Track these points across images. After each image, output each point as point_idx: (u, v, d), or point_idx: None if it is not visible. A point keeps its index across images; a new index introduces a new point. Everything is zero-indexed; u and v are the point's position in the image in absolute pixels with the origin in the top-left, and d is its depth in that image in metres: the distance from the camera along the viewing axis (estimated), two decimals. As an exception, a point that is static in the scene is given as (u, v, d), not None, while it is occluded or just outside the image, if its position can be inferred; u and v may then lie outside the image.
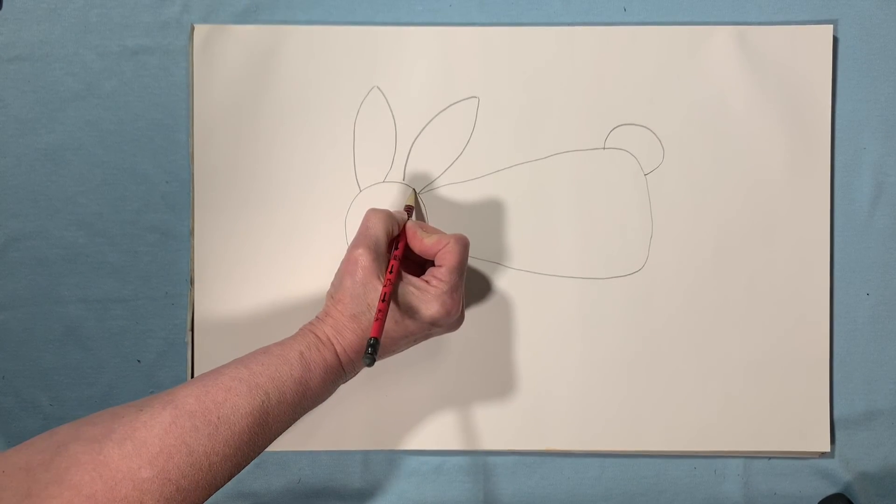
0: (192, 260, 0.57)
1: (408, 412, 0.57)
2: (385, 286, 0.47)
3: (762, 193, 0.57)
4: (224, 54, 0.57)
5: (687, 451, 0.58)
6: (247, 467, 0.58)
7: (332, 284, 0.50)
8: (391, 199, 0.57)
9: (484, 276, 0.57)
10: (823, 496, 0.58)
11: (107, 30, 0.58)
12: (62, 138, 0.58)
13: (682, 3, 0.58)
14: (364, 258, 0.48)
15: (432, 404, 0.57)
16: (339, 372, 0.48)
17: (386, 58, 0.57)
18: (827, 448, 0.58)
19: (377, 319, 0.45)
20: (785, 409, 0.57)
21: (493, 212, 0.57)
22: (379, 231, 0.49)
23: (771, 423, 0.57)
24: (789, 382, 0.57)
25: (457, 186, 0.57)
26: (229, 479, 0.44)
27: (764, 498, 0.58)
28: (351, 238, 0.57)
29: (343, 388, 0.57)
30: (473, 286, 0.57)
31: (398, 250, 0.50)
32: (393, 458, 0.58)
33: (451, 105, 0.57)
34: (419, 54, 0.57)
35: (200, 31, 0.57)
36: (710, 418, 0.57)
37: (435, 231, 0.51)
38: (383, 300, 0.47)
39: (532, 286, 0.57)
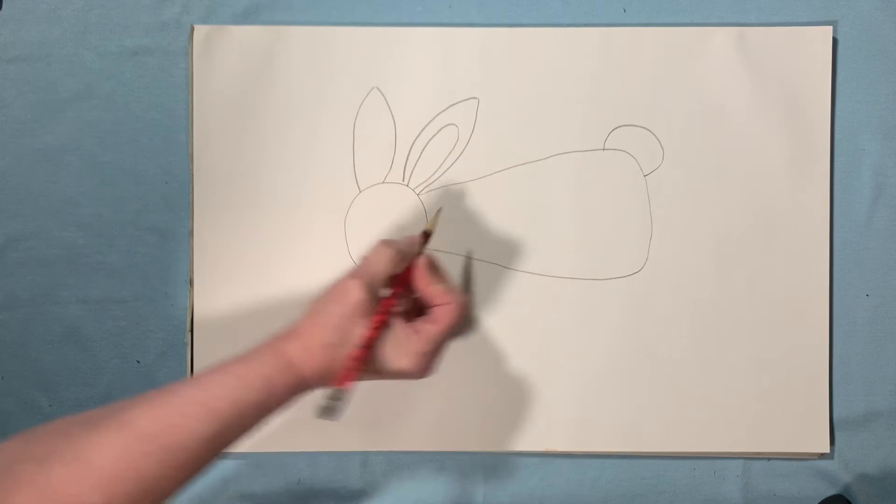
0: (191, 260, 0.57)
1: (408, 412, 0.57)
2: (370, 331, 0.45)
3: (762, 194, 0.57)
4: (224, 55, 0.57)
5: (686, 451, 0.58)
6: (247, 468, 0.58)
7: (314, 304, 0.47)
8: (391, 200, 0.57)
9: (484, 277, 0.57)
10: (823, 497, 0.58)
11: (106, 30, 0.58)
12: (62, 139, 0.58)
13: (682, 4, 0.58)
14: (356, 292, 0.45)
15: (432, 404, 0.57)
16: (301, 391, 0.46)
17: (386, 58, 0.57)
18: (826, 449, 0.58)
19: (350, 367, 0.43)
20: (784, 410, 0.57)
21: (492, 213, 0.57)
22: (381, 269, 0.47)
23: (770, 424, 0.57)
24: (789, 383, 0.57)
25: (456, 187, 0.57)
26: (175, 495, 0.43)
27: (763, 499, 0.58)
28: (351, 239, 0.57)
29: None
30: (473, 287, 0.57)
31: (394, 297, 0.47)
32: (393, 459, 0.58)
33: (450, 106, 0.57)
34: (419, 55, 0.57)
35: (200, 31, 0.57)
36: (710, 419, 0.57)
37: (443, 279, 0.49)
38: (364, 346, 0.44)
39: (532, 287, 0.57)
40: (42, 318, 0.58)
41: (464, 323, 0.51)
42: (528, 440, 0.57)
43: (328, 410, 0.41)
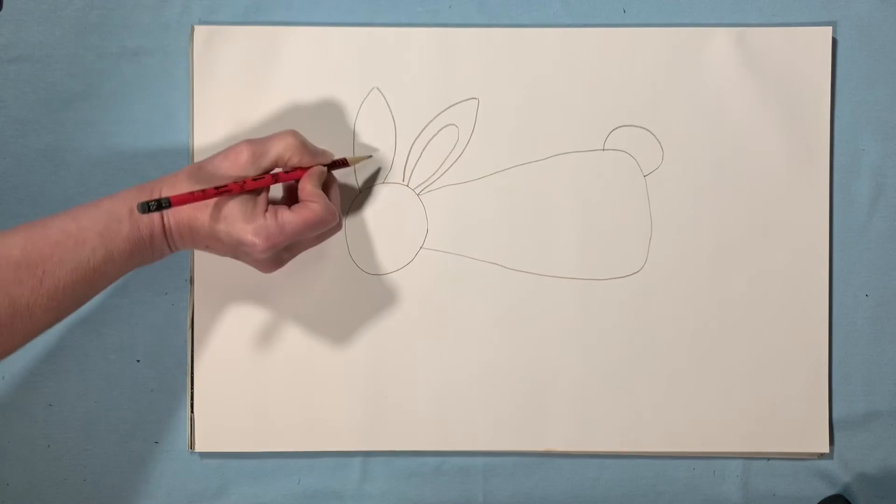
0: (191, 260, 0.57)
1: (408, 412, 0.57)
2: (236, 183, 0.47)
3: (761, 195, 0.57)
4: (224, 55, 0.57)
5: (686, 451, 0.58)
6: (247, 468, 0.58)
7: (204, 159, 0.50)
8: (391, 200, 0.57)
9: (484, 277, 0.57)
10: (822, 497, 0.58)
11: (107, 31, 0.58)
12: (62, 139, 0.58)
13: (682, 5, 0.58)
14: (244, 154, 0.48)
15: (432, 404, 0.57)
16: (163, 236, 0.48)
17: (386, 59, 0.57)
18: (826, 449, 0.58)
19: (192, 193, 0.46)
20: (784, 410, 0.57)
21: (492, 213, 0.57)
22: (276, 149, 0.49)
23: (770, 424, 0.57)
24: (788, 383, 0.57)
25: (456, 187, 0.57)
26: (49, 328, 0.46)
27: (763, 499, 0.59)
28: (351, 239, 0.57)
29: (343, 389, 0.57)
30: (473, 287, 0.57)
31: (276, 175, 0.49)
32: (393, 459, 0.58)
33: (450, 106, 0.57)
34: (419, 55, 0.57)
35: (200, 31, 0.57)
36: (710, 419, 0.57)
37: (323, 195, 0.50)
38: (220, 189, 0.46)
39: (531, 287, 0.57)
40: (42, 318, 0.58)
41: (321, 235, 0.53)
42: (528, 440, 0.57)
43: (145, 206, 0.44)
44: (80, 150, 0.58)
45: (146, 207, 0.44)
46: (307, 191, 0.50)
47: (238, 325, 0.57)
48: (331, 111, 0.57)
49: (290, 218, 0.48)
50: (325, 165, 0.52)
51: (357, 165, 0.57)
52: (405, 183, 0.57)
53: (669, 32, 0.58)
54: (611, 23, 0.58)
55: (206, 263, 0.57)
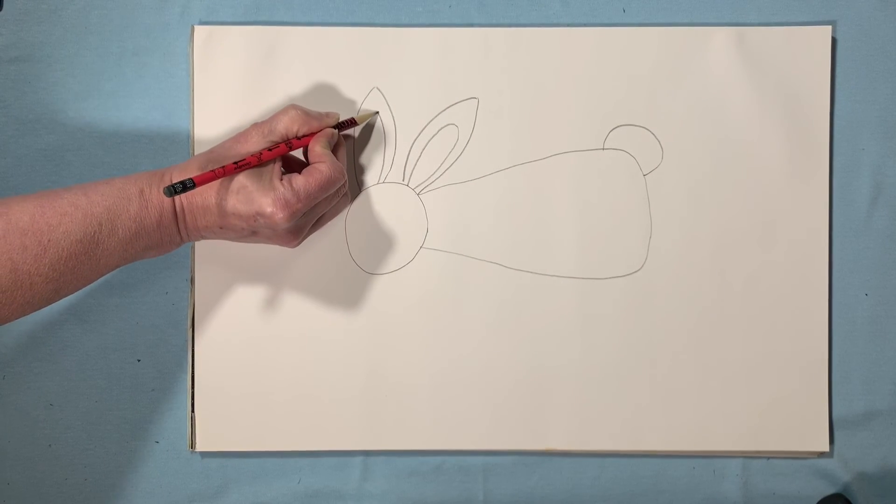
0: (192, 260, 0.57)
1: (407, 412, 0.57)
2: (253, 156, 0.48)
3: (761, 194, 0.58)
4: (224, 55, 0.57)
5: (686, 450, 0.58)
6: (247, 468, 0.58)
7: (215, 146, 0.51)
8: (391, 200, 0.57)
9: (484, 276, 0.57)
10: (822, 496, 0.58)
11: (107, 31, 0.58)
12: (62, 139, 0.58)
13: (682, 4, 0.58)
14: (254, 135, 0.50)
15: (432, 404, 0.57)
16: (174, 220, 0.49)
17: (386, 59, 0.57)
18: (826, 448, 0.58)
19: (213, 171, 0.46)
20: (784, 409, 0.57)
21: (492, 212, 0.57)
22: (282, 125, 0.51)
23: (770, 422, 0.57)
24: (788, 382, 0.57)
25: (456, 187, 0.57)
26: (48, 304, 0.46)
27: (763, 498, 0.59)
28: (351, 238, 0.57)
29: (343, 388, 0.57)
30: (473, 287, 0.57)
31: (290, 143, 0.51)
32: (393, 458, 0.58)
33: (450, 106, 0.57)
34: (419, 55, 0.57)
35: (200, 32, 0.57)
36: (710, 418, 0.57)
37: (330, 154, 0.51)
38: (237, 164, 0.48)
39: (531, 286, 0.57)
40: (42, 317, 0.58)
41: (337, 201, 0.54)
42: (528, 439, 0.57)
43: (170, 189, 0.44)
44: (80, 150, 0.58)
45: (172, 190, 0.44)
46: (315, 152, 0.51)
47: (238, 325, 0.57)
48: (331, 111, 0.57)
49: (302, 181, 0.49)
50: (333, 127, 0.53)
51: (356, 166, 0.57)
52: (405, 182, 0.57)
53: (669, 32, 0.58)
54: (610, 22, 0.58)
55: (206, 263, 0.57)
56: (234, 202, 0.48)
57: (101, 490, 0.58)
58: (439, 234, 0.57)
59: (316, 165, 0.50)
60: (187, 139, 0.58)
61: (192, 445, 0.57)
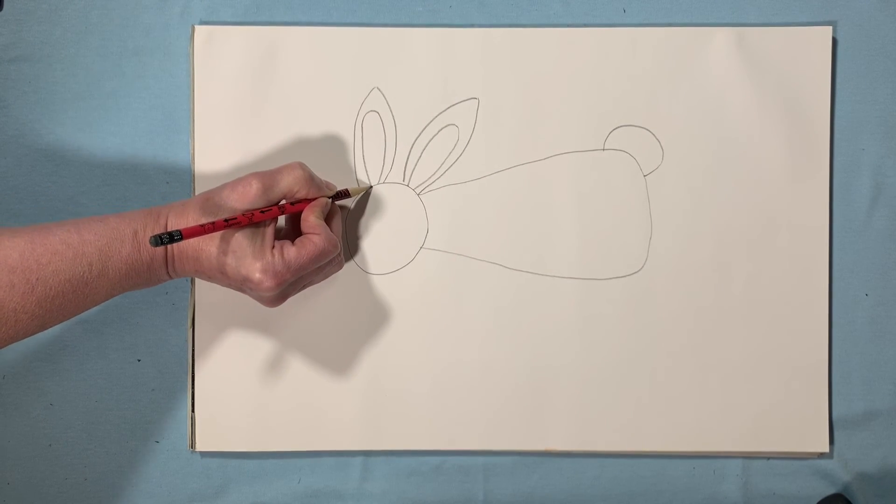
0: (192, 260, 0.57)
1: (408, 412, 0.57)
2: (244, 215, 0.47)
3: (761, 194, 0.58)
4: (224, 55, 0.57)
5: (686, 451, 0.58)
6: (247, 468, 0.58)
7: (213, 189, 0.50)
8: (391, 200, 0.57)
9: (484, 276, 0.57)
10: (822, 496, 0.58)
11: (107, 30, 0.58)
12: (63, 139, 0.58)
13: (682, 5, 0.58)
14: (254, 186, 0.48)
15: (432, 404, 0.57)
16: (164, 263, 0.48)
17: (386, 59, 0.57)
18: (826, 448, 0.58)
19: (203, 226, 0.46)
20: (784, 409, 0.57)
21: (492, 213, 0.57)
22: (284, 182, 0.50)
23: (770, 423, 0.57)
24: (788, 383, 0.57)
25: (456, 187, 0.57)
26: (30, 336, 0.46)
27: (763, 498, 0.59)
28: (350, 239, 0.57)
29: (343, 388, 0.57)
30: (474, 287, 0.57)
31: (282, 207, 0.50)
32: (393, 458, 0.58)
33: (451, 106, 0.57)
34: (419, 55, 0.57)
35: (201, 31, 0.57)
36: (710, 418, 0.57)
37: (324, 226, 0.50)
38: (228, 221, 0.47)
39: (532, 287, 0.57)
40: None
41: (328, 268, 0.53)
42: (528, 439, 0.57)
43: (156, 239, 0.43)
44: (80, 150, 0.58)
45: (158, 241, 0.43)
46: (310, 222, 0.50)
47: (238, 325, 0.57)
48: (331, 111, 0.57)
49: (294, 253, 0.49)
50: (328, 197, 0.52)
51: (357, 166, 0.57)
52: (405, 183, 0.57)
53: (669, 32, 0.58)
54: (611, 22, 0.58)
55: (206, 263, 0.57)
56: (225, 262, 0.48)
57: (101, 490, 0.58)
58: (439, 235, 0.57)
59: (309, 237, 0.50)
60: (187, 139, 0.58)
61: (192, 445, 0.57)
